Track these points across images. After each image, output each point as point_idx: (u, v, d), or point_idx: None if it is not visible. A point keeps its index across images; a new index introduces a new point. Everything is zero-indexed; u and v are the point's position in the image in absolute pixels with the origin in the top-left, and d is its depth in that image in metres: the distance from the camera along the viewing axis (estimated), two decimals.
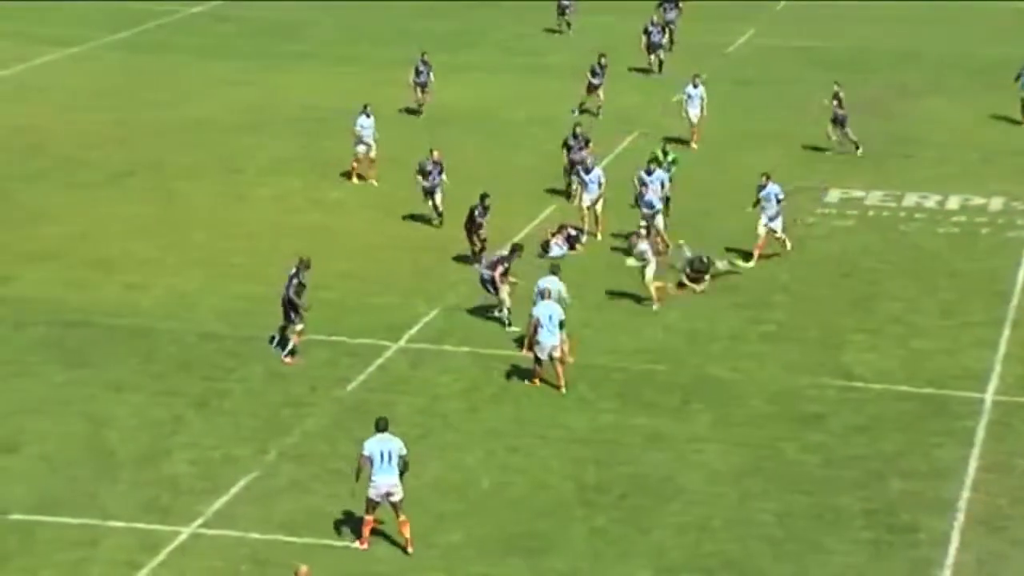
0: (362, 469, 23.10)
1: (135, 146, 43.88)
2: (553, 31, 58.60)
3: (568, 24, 58.56)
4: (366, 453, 23.07)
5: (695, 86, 43.94)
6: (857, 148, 43.45)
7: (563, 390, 28.50)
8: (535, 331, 28.47)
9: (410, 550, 23.20)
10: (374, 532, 23.32)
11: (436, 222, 36.68)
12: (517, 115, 47.45)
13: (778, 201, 35.12)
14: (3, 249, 35.15)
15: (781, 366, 29.93)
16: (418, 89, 46.82)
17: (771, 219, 35.16)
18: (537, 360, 28.74)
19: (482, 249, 34.10)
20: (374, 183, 40.29)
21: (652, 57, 52.46)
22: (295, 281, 29.48)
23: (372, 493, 23.09)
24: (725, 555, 23.24)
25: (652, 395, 28.69)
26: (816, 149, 43.84)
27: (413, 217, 37.72)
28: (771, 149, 43.48)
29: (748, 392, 28.78)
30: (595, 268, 34.69)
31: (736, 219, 36.60)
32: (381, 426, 23.37)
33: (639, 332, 31.45)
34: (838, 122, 43.23)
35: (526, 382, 28.80)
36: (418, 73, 46.76)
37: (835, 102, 43.12)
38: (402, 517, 23.19)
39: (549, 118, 45.47)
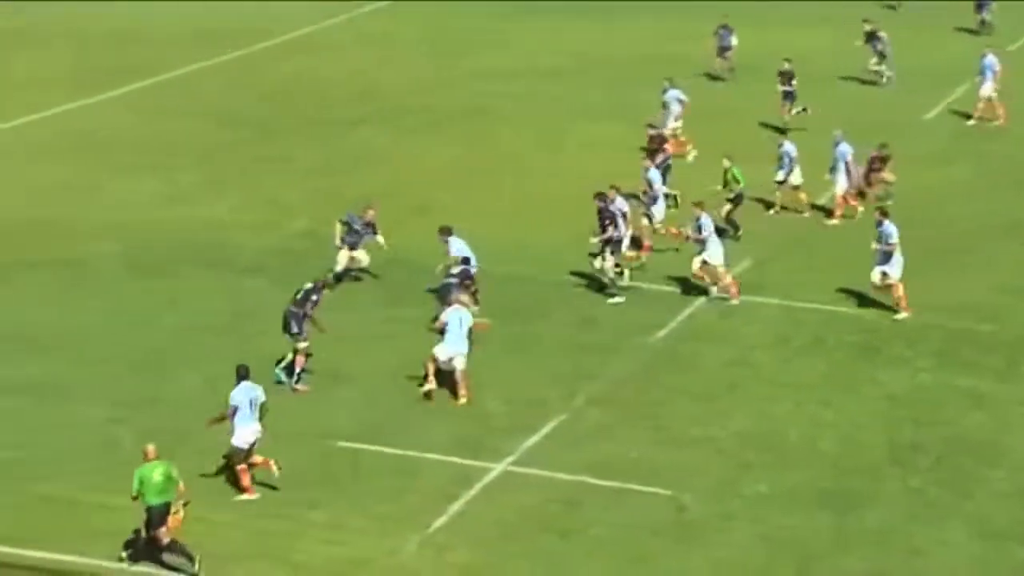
0: (224, 415, 22.87)
1: (456, 93, 44.80)
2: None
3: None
4: (234, 403, 22.83)
5: None
6: None
7: None
8: None
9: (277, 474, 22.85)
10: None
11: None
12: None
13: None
14: (331, 192, 36.39)
15: None
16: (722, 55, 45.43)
17: None
18: None
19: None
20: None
21: None
22: (314, 298, 26.81)
23: (240, 442, 22.90)
24: None
25: (973, 354, 27.98)
26: None
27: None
28: None
29: None
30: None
31: None
32: (243, 373, 23.17)
33: (958, 289, 30.66)
34: None
35: None
36: (721, 38, 45.71)
37: None
38: (260, 458, 23.08)
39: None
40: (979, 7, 51.58)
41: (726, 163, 33.91)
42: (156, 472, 21.09)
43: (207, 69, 46.15)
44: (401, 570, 21.61)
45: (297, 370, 26.60)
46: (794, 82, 40.98)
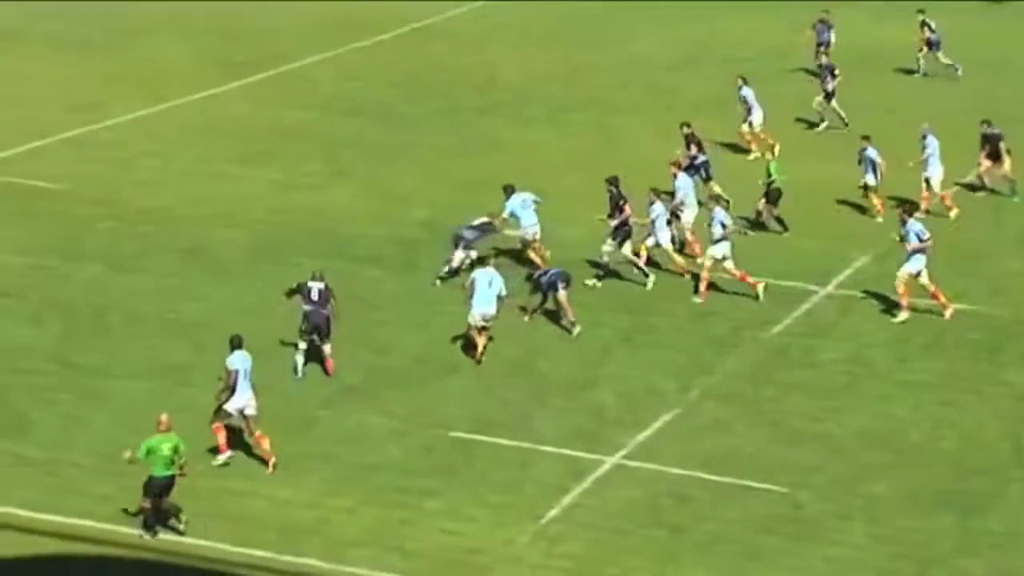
0: (228, 384, 23.27)
1: (576, 83, 44.76)
2: None
3: None
4: (232, 368, 23.29)
5: None
6: None
7: None
8: None
9: (271, 462, 23.23)
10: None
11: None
12: None
13: None
14: (452, 181, 36.51)
15: None
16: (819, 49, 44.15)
17: None
18: None
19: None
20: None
21: None
22: (332, 299, 26.46)
23: (230, 406, 23.34)
24: None
25: None
26: None
27: (835, 161, 37.04)
28: None
29: None
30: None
31: None
32: (236, 343, 23.61)
33: None
34: None
35: None
36: (818, 32, 44.97)
37: None
38: (258, 432, 23.37)
39: None
40: None
41: (768, 156, 33.76)
42: (165, 445, 21.53)
43: (330, 59, 46.47)
44: (514, 561, 21.68)
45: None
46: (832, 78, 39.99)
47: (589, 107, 42.50)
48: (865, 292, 30.27)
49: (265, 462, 23.54)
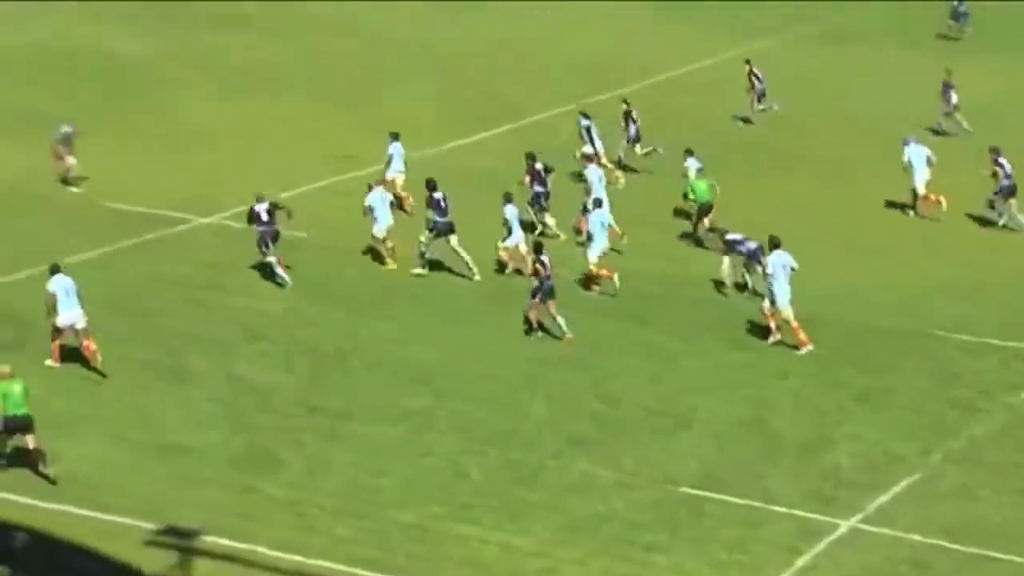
0: (47, 304, 27.31)
1: (820, 134, 43.82)
2: None
3: None
4: (51, 290, 27.30)
5: None
6: None
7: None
8: None
9: (100, 367, 27.02)
10: None
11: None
12: None
13: None
14: (678, 227, 36.15)
15: None
16: None
17: None
18: None
19: None
20: None
21: None
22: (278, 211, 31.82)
23: (60, 322, 27.42)
24: None
25: None
26: None
27: None
28: None
29: None
30: None
31: None
32: (55, 269, 27.62)
33: None
34: None
35: None
36: None
37: None
38: (86, 341, 27.28)
39: None
40: None
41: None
42: (16, 386, 24.00)
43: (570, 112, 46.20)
44: None
45: None
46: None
47: (830, 160, 41.59)
48: None
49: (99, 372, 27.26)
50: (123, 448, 25.05)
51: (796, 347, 29.34)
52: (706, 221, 35.27)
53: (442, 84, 48.35)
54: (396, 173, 36.88)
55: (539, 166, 35.65)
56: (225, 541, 22.30)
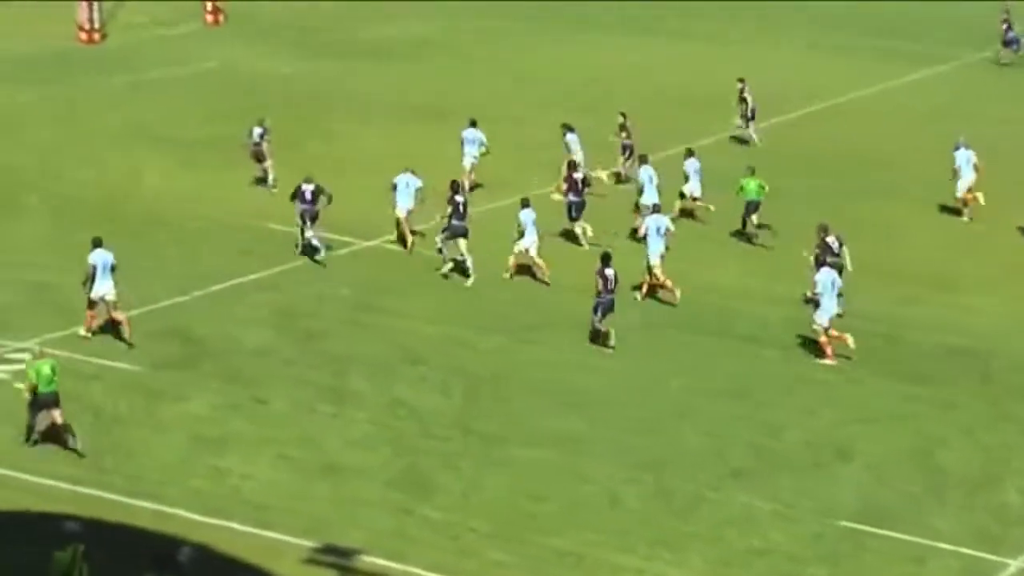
0: (88, 277, 28.98)
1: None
2: None
3: None
4: (91, 262, 28.97)
5: None
6: None
7: None
8: None
9: (129, 338, 28.92)
10: None
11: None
12: None
13: None
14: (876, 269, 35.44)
15: None
16: None
17: None
18: None
19: None
20: None
21: None
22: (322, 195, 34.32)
23: (93, 295, 29.09)
24: None
25: None
26: None
27: None
28: None
29: None
30: None
31: None
32: (97, 242, 29.31)
33: None
34: None
35: None
36: None
37: None
38: (115, 313, 29.24)
39: None
40: None
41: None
42: (45, 367, 25.09)
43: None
44: None
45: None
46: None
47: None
48: None
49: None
50: (287, 467, 25.32)
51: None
52: (754, 218, 36.44)
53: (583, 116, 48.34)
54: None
55: (578, 175, 36.10)
56: (382, 561, 22.40)
